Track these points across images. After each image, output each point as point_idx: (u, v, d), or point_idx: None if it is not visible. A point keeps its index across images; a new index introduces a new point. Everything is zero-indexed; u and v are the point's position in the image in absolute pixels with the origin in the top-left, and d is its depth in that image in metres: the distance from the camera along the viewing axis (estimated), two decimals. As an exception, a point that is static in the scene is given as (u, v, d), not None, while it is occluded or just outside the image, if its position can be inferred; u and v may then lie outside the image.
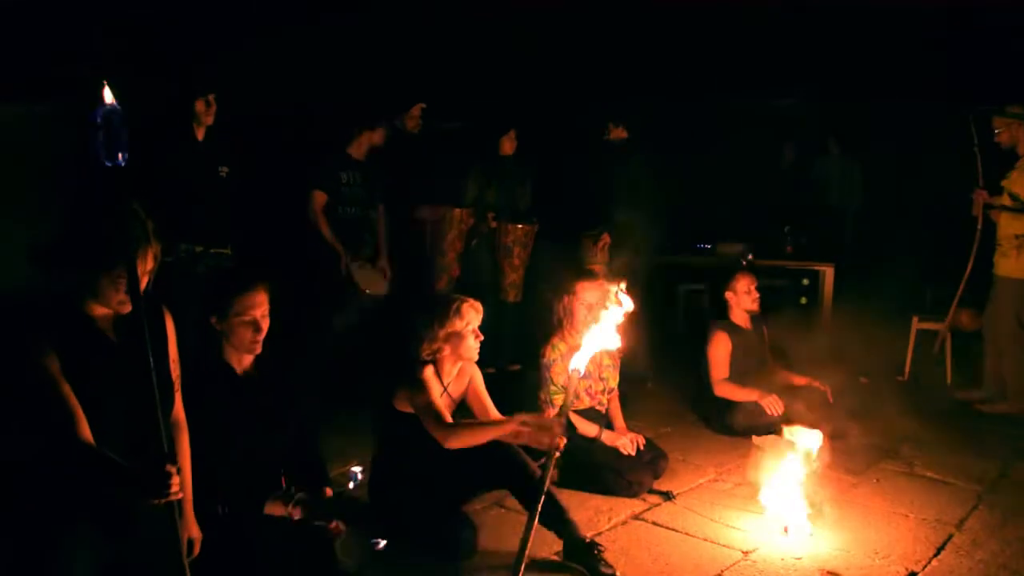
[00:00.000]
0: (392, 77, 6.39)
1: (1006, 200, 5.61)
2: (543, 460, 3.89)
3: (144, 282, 2.14)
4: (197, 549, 2.41)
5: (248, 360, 2.76)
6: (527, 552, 2.82)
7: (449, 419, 3.34)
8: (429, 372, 3.45)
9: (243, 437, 2.68)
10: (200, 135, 4.91)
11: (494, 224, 6.45)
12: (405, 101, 6.13)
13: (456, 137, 6.54)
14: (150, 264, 2.15)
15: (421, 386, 3.37)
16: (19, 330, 2.06)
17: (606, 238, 6.40)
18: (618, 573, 3.23)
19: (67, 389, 2.05)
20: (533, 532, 2.81)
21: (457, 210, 6.20)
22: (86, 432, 2.06)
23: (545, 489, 2.85)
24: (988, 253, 5.76)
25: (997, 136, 5.68)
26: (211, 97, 4.84)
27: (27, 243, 2.16)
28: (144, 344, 1.93)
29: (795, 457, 3.81)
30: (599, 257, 6.46)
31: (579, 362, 2.81)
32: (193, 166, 4.85)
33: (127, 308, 2.15)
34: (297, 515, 2.72)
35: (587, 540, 3.29)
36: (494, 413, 3.63)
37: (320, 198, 5.40)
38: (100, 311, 2.17)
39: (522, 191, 6.59)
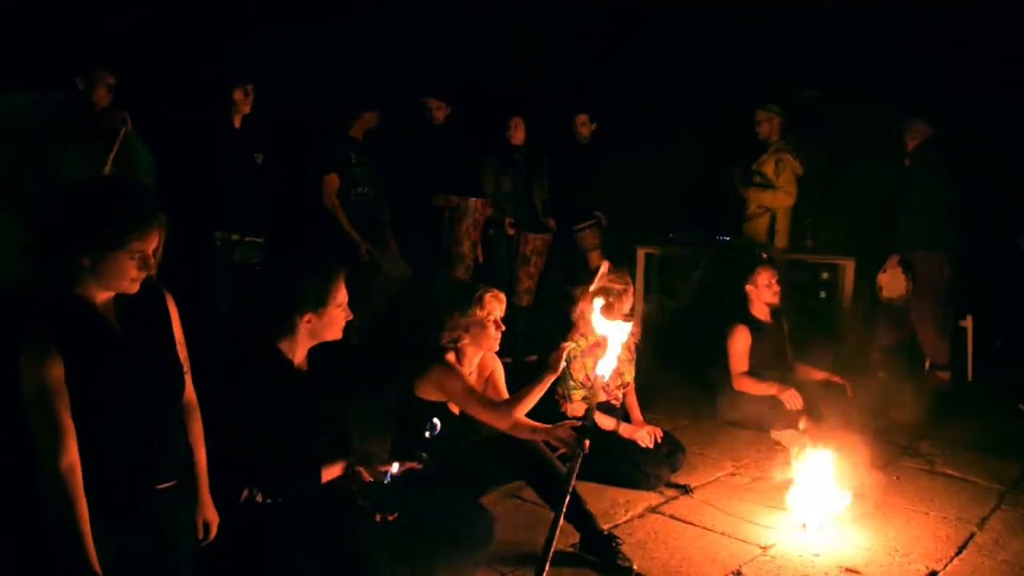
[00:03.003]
0: (406, 68, 6.38)
1: (756, 179, 6.57)
2: (565, 452, 3.89)
3: (153, 261, 2.07)
4: (214, 532, 2.40)
5: (304, 353, 2.73)
6: (551, 552, 2.79)
7: (494, 400, 3.34)
8: (451, 359, 3.44)
9: (296, 427, 2.67)
10: (237, 123, 4.93)
11: (512, 231, 6.47)
12: (420, 90, 6.15)
13: (472, 126, 6.55)
14: (155, 241, 2.06)
15: (450, 370, 3.35)
16: (20, 332, 1.96)
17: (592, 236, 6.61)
18: (635, 566, 3.22)
19: (62, 405, 1.96)
20: (558, 532, 2.79)
21: (473, 199, 6.20)
22: (68, 461, 1.95)
23: (570, 490, 2.81)
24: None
25: (758, 127, 6.54)
26: (249, 87, 4.86)
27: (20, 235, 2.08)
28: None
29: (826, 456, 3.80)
30: (593, 243, 6.60)
31: (605, 367, 2.78)
32: (229, 154, 4.87)
33: (136, 287, 2.07)
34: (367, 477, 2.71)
35: (605, 532, 3.28)
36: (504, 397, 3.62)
37: (333, 182, 5.43)
38: (101, 296, 2.07)
39: (537, 182, 6.57)
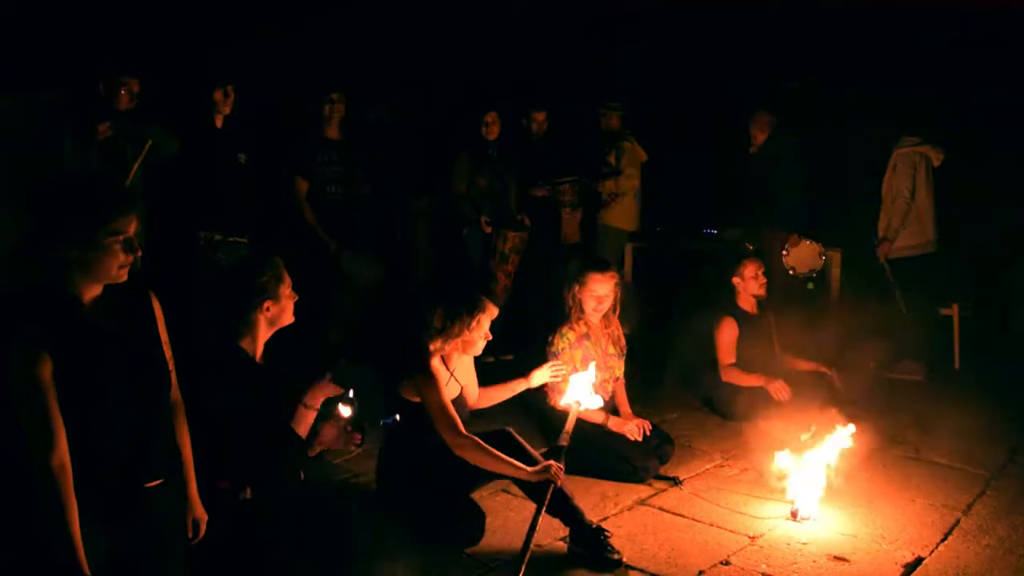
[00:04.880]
0: (376, 64, 6.39)
1: (604, 169, 6.91)
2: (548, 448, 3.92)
3: (137, 244, 2.07)
4: (203, 530, 2.41)
5: (261, 348, 2.77)
6: (530, 549, 2.83)
7: (461, 425, 3.35)
8: (436, 363, 3.46)
9: (269, 420, 2.69)
10: (218, 123, 4.94)
11: (488, 229, 6.29)
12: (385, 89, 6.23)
13: (438, 124, 6.54)
14: (134, 224, 2.06)
15: (432, 381, 3.38)
16: (8, 330, 1.96)
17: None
18: (624, 558, 3.24)
19: (52, 403, 1.96)
20: (536, 531, 2.84)
21: (425, 198, 6.23)
22: (60, 458, 1.95)
23: (539, 517, 2.94)
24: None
25: (601, 123, 6.99)
26: (229, 88, 4.88)
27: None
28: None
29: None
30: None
31: (579, 395, 2.91)
32: (211, 154, 4.88)
33: (125, 275, 2.07)
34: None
35: (594, 526, 3.30)
36: (474, 388, 3.75)
37: (302, 185, 5.46)
38: (89, 294, 2.07)
39: (512, 178, 6.45)
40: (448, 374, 3.52)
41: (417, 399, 3.39)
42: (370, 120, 6.24)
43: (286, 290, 2.75)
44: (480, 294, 3.61)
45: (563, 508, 3.31)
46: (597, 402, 3.39)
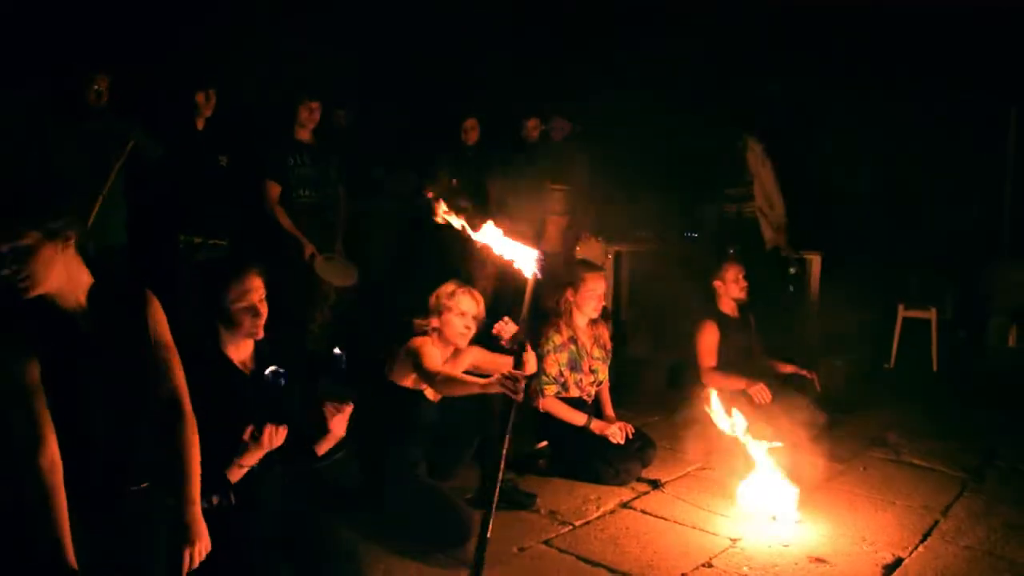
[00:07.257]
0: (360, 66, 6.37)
1: None
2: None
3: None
4: (203, 555, 2.24)
5: (247, 352, 2.74)
6: (492, 515, 2.72)
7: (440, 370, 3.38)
8: (418, 341, 3.52)
9: (242, 425, 2.66)
10: (200, 125, 4.91)
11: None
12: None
13: (420, 126, 6.51)
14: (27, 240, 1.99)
15: (416, 350, 3.44)
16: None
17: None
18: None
19: (40, 404, 1.95)
20: (497, 491, 2.73)
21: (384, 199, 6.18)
22: (50, 458, 1.94)
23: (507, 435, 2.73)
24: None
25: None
26: (211, 91, 4.85)
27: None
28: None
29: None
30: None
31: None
32: (192, 156, 4.84)
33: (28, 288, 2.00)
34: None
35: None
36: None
37: (273, 188, 5.29)
38: (68, 294, 2.07)
39: (491, 181, 6.32)
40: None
41: (408, 380, 3.41)
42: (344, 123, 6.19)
43: (244, 314, 2.67)
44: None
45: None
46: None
